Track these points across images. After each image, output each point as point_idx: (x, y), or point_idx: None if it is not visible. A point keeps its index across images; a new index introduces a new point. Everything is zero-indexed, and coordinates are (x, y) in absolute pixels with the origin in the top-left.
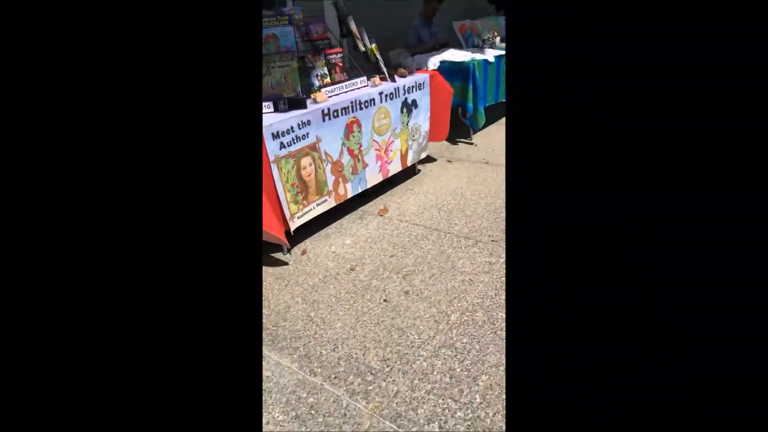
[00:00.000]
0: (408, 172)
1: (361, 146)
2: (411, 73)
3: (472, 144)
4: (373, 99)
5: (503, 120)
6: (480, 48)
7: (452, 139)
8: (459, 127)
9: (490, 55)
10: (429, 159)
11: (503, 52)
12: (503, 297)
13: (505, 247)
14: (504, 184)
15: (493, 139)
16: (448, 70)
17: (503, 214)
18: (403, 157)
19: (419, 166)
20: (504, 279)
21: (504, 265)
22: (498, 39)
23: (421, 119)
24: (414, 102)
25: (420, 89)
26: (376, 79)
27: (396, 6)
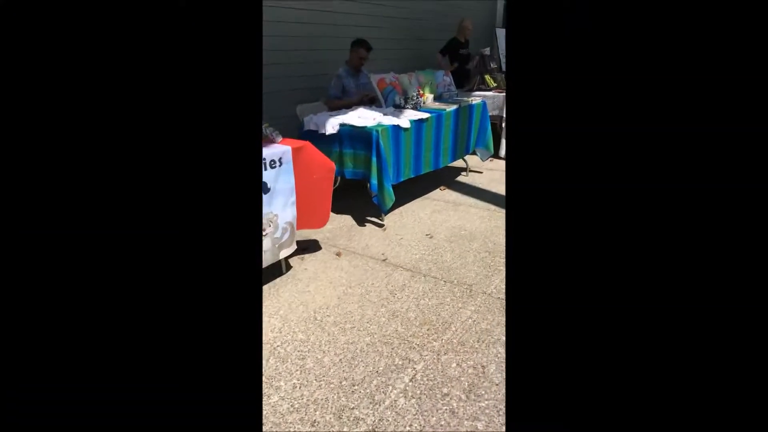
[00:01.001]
0: (272, 270)
1: None
2: (272, 142)
3: (381, 226)
4: None
5: (432, 194)
6: (400, 108)
7: (360, 218)
8: (369, 204)
9: (405, 119)
10: (316, 246)
11: (427, 115)
12: None
13: None
14: (398, 296)
15: (408, 220)
16: (349, 135)
17: (366, 369)
18: None
19: (294, 260)
20: None
21: None
22: (430, 98)
23: (279, 206)
24: (264, 185)
25: (275, 167)
26: None
27: (321, 52)
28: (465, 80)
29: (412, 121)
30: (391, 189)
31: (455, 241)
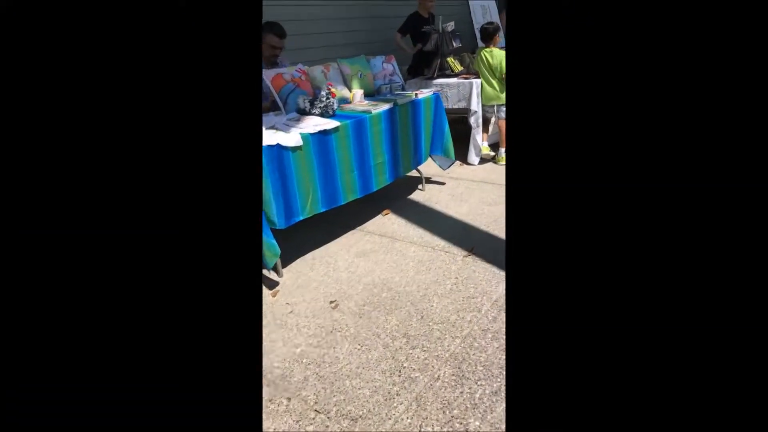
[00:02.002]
0: None
1: None
2: None
3: (272, 287)
4: None
5: (368, 224)
6: (307, 114)
7: None
8: None
9: (295, 133)
10: None
11: (335, 124)
12: None
13: None
14: None
15: (316, 273)
16: None
17: None
18: None
19: None
20: None
21: None
22: (359, 95)
23: None
24: None
25: None
26: None
27: None
28: (430, 65)
29: (308, 136)
30: (272, 240)
31: (366, 315)
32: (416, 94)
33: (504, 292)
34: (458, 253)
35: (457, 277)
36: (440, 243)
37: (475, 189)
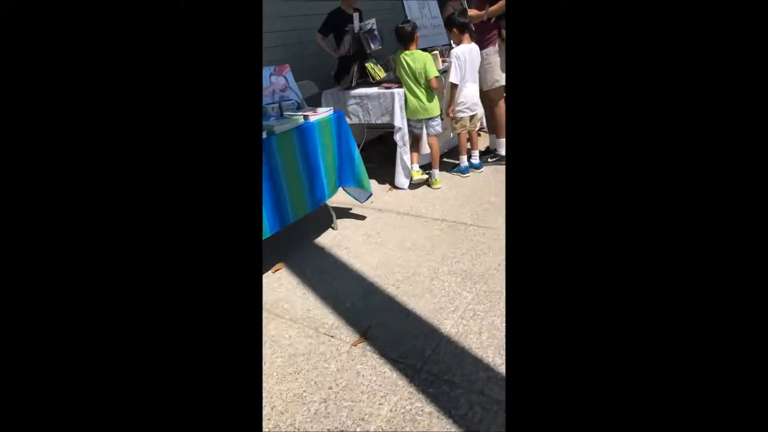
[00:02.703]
0: None
1: None
2: None
3: None
4: None
5: None
6: None
7: None
8: None
9: None
10: None
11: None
12: None
13: None
14: None
15: None
16: None
17: None
18: None
19: None
20: None
21: None
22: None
23: None
24: None
25: None
26: None
27: None
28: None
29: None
30: None
31: None
32: (306, 117)
33: (399, 404)
34: (347, 337)
35: (331, 387)
36: (328, 320)
37: (397, 225)
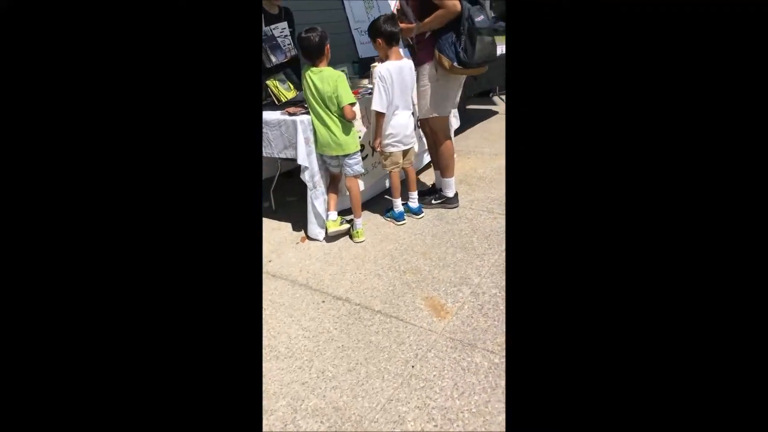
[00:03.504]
0: None
1: None
2: None
3: None
4: None
5: None
6: None
7: None
8: None
9: None
10: None
11: None
12: None
13: None
14: None
15: None
16: None
17: None
18: None
19: None
20: None
21: None
22: None
23: None
24: None
25: None
26: None
27: None
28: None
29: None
30: None
31: None
32: None
33: None
34: None
35: None
36: None
37: (280, 305)
